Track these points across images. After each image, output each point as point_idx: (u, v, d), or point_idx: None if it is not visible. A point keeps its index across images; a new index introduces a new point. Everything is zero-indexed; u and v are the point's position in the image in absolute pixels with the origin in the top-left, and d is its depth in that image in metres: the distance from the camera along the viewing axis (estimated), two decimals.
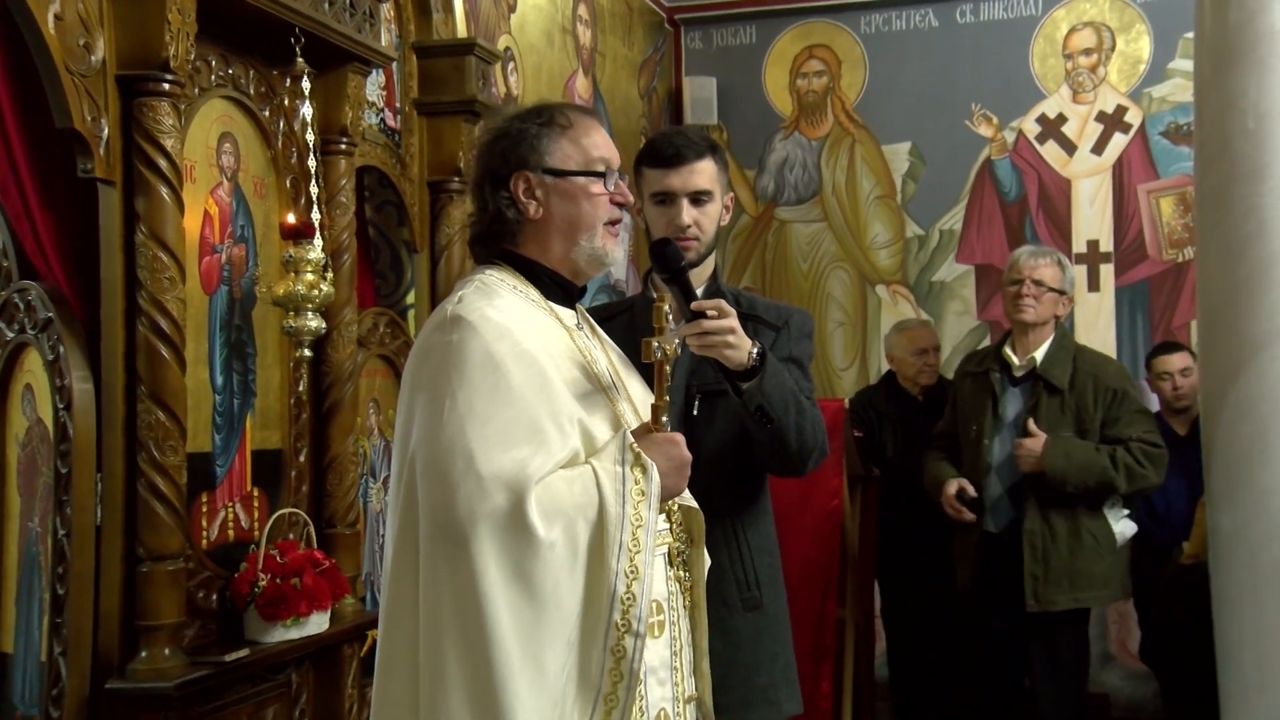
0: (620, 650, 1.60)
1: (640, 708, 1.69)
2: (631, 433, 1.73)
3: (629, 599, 1.61)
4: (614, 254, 1.83)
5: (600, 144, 1.82)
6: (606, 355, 1.88)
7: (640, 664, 1.63)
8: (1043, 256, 3.72)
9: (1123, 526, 3.63)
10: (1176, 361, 4.37)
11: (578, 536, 1.61)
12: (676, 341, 1.79)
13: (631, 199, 1.89)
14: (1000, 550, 3.62)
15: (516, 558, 1.57)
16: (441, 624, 1.59)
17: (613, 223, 1.82)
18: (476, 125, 3.45)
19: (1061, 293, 3.68)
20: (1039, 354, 3.67)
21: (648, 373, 1.88)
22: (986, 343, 5.22)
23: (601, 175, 1.80)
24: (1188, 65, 4.92)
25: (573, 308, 1.87)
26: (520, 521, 1.57)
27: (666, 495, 1.73)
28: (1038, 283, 3.64)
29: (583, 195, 1.79)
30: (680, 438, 1.75)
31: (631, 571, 1.61)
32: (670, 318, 1.77)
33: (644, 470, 1.67)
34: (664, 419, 1.74)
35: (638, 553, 1.62)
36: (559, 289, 1.83)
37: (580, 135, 1.81)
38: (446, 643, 1.58)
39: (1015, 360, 3.70)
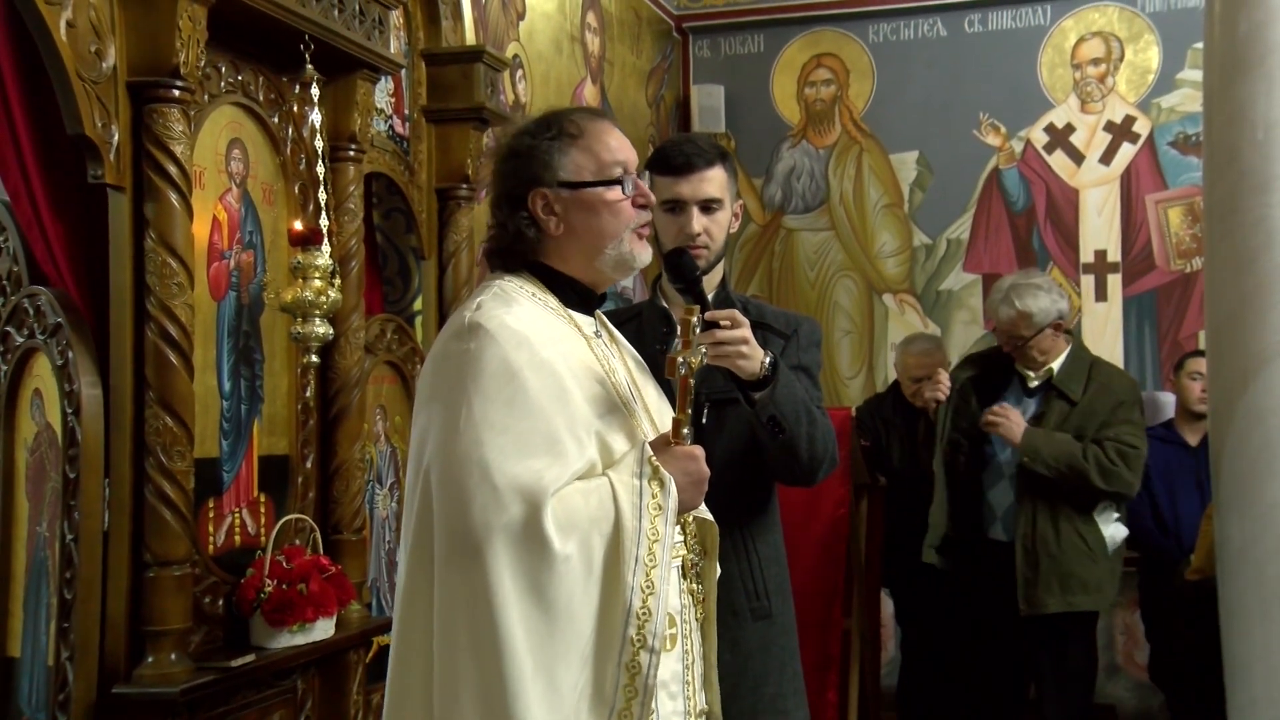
0: (635, 666, 1.59)
1: None
2: (650, 444, 1.71)
3: (644, 614, 1.59)
4: (642, 257, 1.80)
5: (614, 146, 1.78)
6: (625, 363, 1.86)
7: (655, 680, 1.61)
8: (1012, 305, 3.64)
9: (1113, 530, 3.64)
10: None
11: (593, 550, 1.59)
12: (703, 351, 1.77)
13: (653, 198, 1.85)
14: (1004, 556, 3.63)
15: (531, 571, 1.56)
16: (455, 636, 1.58)
17: (641, 225, 1.80)
18: (485, 133, 3.46)
19: (1048, 324, 3.65)
20: (1055, 365, 3.71)
21: (664, 379, 1.86)
22: None
23: (619, 181, 1.77)
24: (1196, 75, 4.91)
25: (592, 315, 1.85)
26: (536, 534, 1.55)
27: (683, 510, 1.71)
28: (1020, 337, 3.65)
29: (602, 205, 1.76)
30: (700, 452, 1.73)
31: (647, 586, 1.60)
32: (697, 330, 1.75)
33: (661, 484, 1.65)
34: (685, 432, 1.71)
35: (654, 567, 1.61)
36: (578, 297, 1.81)
37: (592, 142, 1.77)
38: (460, 655, 1.57)
39: (1030, 374, 3.73)
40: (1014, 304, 3.66)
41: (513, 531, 1.55)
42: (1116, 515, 3.66)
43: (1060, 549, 3.56)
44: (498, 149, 1.84)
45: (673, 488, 1.66)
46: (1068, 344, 3.73)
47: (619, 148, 1.79)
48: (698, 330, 1.75)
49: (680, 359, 1.69)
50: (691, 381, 1.72)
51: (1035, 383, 3.71)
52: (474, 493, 1.56)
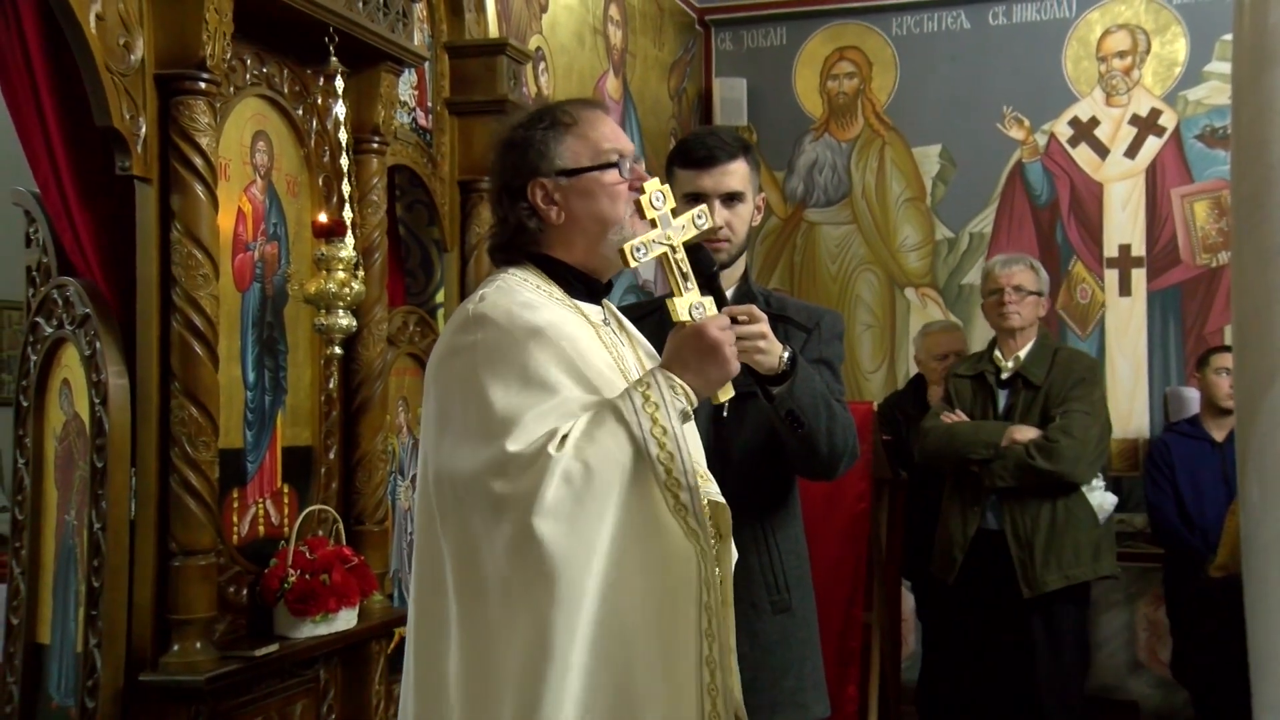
0: (681, 508, 1.57)
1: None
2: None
3: (666, 456, 1.57)
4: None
5: (608, 134, 1.79)
6: (634, 351, 1.86)
7: (705, 510, 1.59)
8: (1015, 264, 3.89)
9: (1100, 499, 3.70)
10: None
11: (608, 446, 1.57)
12: (686, 221, 1.73)
13: (649, 179, 1.86)
14: (993, 546, 3.68)
15: (569, 506, 1.54)
16: (516, 595, 1.56)
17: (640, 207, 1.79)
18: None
19: (1039, 294, 3.86)
20: (1023, 354, 3.82)
21: None
22: None
23: (615, 165, 1.77)
24: (1224, 68, 4.86)
25: (599, 304, 1.85)
26: (551, 469, 1.54)
27: (711, 384, 1.67)
28: (1017, 289, 3.80)
29: (600, 189, 1.76)
30: (708, 323, 1.67)
31: (659, 431, 1.57)
32: (654, 204, 1.70)
33: (649, 379, 1.64)
34: (692, 308, 1.68)
35: (657, 409, 1.58)
36: (583, 286, 1.81)
37: (586, 130, 1.78)
38: (525, 605, 1.55)
39: (1004, 364, 3.85)
40: (1023, 260, 3.90)
41: (535, 483, 1.54)
42: (1102, 484, 3.73)
43: (1052, 526, 3.62)
44: (494, 143, 1.84)
45: (662, 373, 1.64)
46: (1036, 334, 3.85)
47: (613, 135, 1.80)
48: (655, 204, 1.70)
49: (650, 240, 1.66)
50: (677, 257, 1.69)
51: (1007, 374, 3.80)
52: (500, 468, 1.56)
